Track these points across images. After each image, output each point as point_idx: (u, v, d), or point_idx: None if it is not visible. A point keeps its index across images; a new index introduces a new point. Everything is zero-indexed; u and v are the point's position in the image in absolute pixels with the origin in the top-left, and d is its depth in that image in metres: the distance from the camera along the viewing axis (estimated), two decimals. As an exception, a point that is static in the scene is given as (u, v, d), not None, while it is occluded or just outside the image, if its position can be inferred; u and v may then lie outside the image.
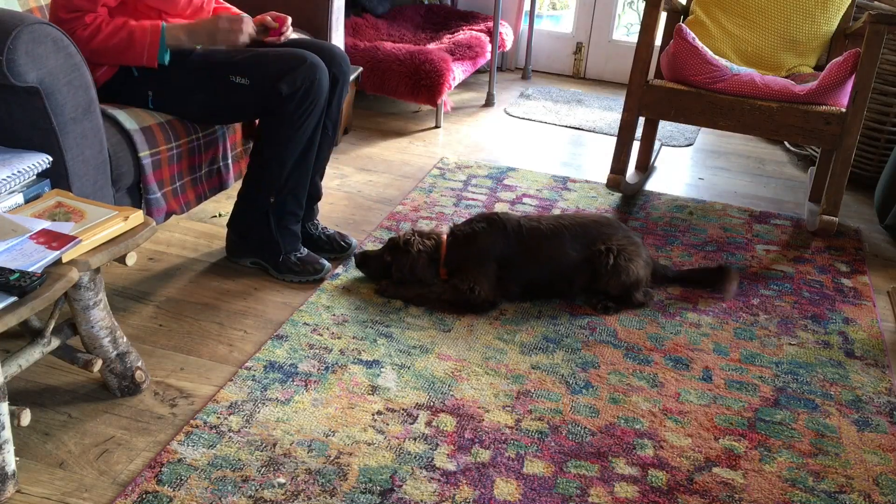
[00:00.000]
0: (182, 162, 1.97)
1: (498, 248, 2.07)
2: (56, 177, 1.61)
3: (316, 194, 2.29)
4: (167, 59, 1.88)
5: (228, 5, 2.18)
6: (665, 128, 3.57)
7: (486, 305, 2.06)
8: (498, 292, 2.08)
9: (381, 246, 2.30)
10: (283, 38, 2.08)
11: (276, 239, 2.12)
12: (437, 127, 3.46)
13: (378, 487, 1.47)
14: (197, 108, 1.97)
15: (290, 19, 2.09)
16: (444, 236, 2.14)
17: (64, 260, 1.39)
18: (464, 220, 2.18)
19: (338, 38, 2.72)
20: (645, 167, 3.04)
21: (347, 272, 2.21)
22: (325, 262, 2.17)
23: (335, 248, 2.30)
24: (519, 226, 2.10)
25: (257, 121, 2.06)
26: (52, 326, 1.54)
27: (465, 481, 1.50)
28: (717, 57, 2.54)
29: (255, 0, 2.58)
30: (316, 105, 1.96)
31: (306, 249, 2.18)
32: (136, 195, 1.88)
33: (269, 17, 2.07)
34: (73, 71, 1.57)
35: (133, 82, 1.92)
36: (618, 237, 2.12)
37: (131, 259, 1.51)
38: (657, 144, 3.17)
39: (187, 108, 1.96)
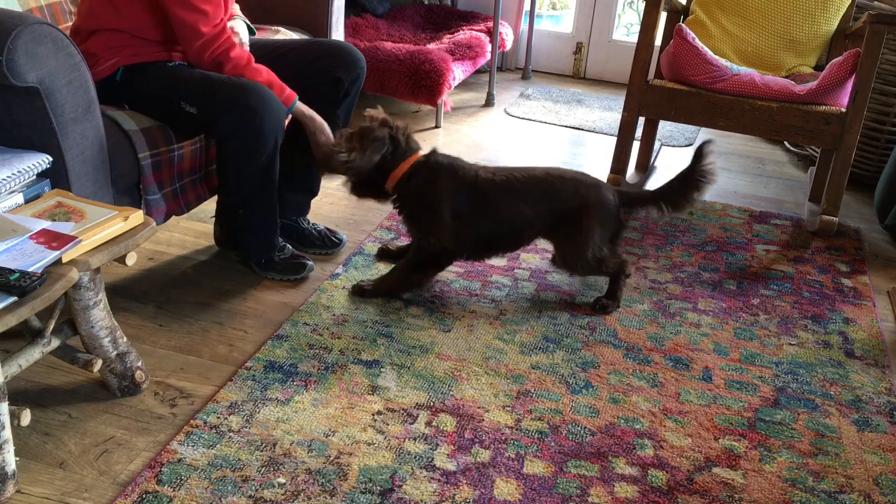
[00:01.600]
0: (183, 163, 1.97)
1: (450, 194, 2.00)
2: (56, 177, 1.61)
3: (313, 188, 2.31)
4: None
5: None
6: (665, 128, 3.57)
7: (447, 255, 2.05)
8: (456, 243, 2.03)
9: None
10: None
11: (250, 246, 2.12)
12: (437, 127, 3.46)
13: (378, 487, 1.47)
14: (165, 122, 1.92)
15: None
16: (418, 154, 2.04)
17: (64, 260, 1.39)
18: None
19: (337, 38, 2.73)
20: (645, 167, 3.04)
21: (347, 272, 2.21)
22: (309, 261, 2.16)
23: (327, 243, 2.32)
24: (476, 176, 2.03)
25: None
26: (52, 326, 1.54)
27: (465, 481, 1.50)
28: (717, 57, 2.54)
29: (257, 0, 2.59)
30: (258, 148, 1.89)
31: (291, 249, 2.17)
32: (135, 195, 1.88)
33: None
34: (73, 71, 1.57)
35: (115, 87, 1.91)
36: (570, 200, 2.02)
37: (131, 259, 1.51)
38: (657, 144, 3.17)
39: (157, 119, 1.91)
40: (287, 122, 2.02)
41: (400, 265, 2.12)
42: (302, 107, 2.02)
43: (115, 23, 1.87)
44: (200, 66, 1.92)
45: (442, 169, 2.01)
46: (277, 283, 2.14)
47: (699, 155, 2.09)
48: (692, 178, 2.09)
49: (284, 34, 2.50)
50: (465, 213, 2.01)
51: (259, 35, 2.29)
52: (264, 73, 1.93)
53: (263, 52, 2.12)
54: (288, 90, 1.97)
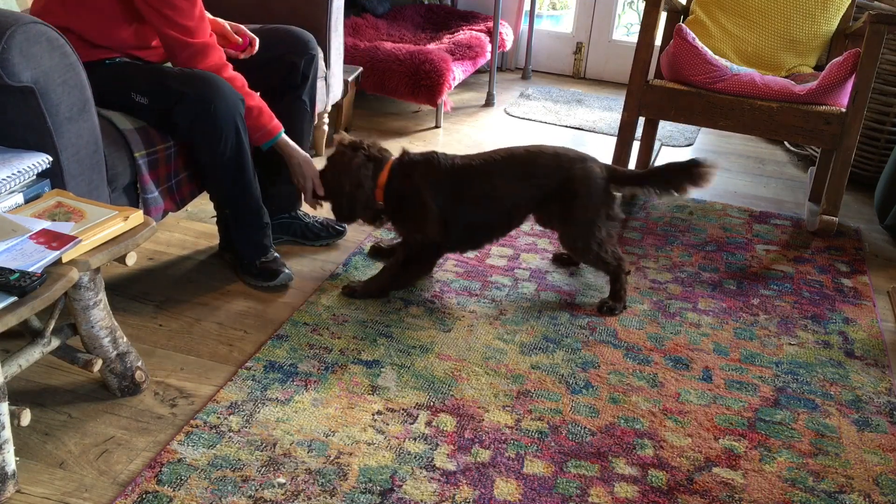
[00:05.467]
0: (178, 160, 1.97)
1: (434, 186, 2.01)
2: (51, 177, 1.60)
3: None
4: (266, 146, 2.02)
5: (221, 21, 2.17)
6: (665, 128, 3.57)
7: (436, 249, 2.07)
8: (444, 233, 2.04)
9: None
10: (242, 56, 2.09)
11: (242, 246, 2.11)
12: (437, 127, 3.46)
13: (378, 487, 1.47)
14: (126, 113, 1.89)
15: (257, 42, 2.10)
16: (391, 160, 2.07)
17: (64, 260, 1.39)
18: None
19: (337, 38, 2.72)
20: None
21: (347, 272, 2.21)
22: (287, 271, 2.11)
23: (332, 232, 2.36)
24: (452, 165, 2.04)
25: None
26: (52, 326, 1.54)
27: (465, 481, 1.50)
28: (717, 57, 2.54)
29: (257, 0, 2.59)
30: (219, 137, 1.88)
31: (275, 255, 2.14)
32: (132, 194, 1.88)
33: (234, 34, 2.08)
34: (68, 70, 1.56)
35: None
36: (554, 174, 2.01)
37: (131, 259, 1.51)
38: (657, 144, 3.17)
39: (120, 110, 1.89)
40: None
41: (389, 264, 2.12)
42: (286, 139, 2.05)
43: (64, 22, 1.79)
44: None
45: (417, 164, 2.04)
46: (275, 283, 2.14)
47: (701, 162, 2.05)
48: (690, 172, 2.03)
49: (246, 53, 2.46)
50: (450, 201, 2.02)
51: None
52: (256, 99, 1.95)
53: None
54: (275, 121, 2.01)
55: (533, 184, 2.03)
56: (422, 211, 2.01)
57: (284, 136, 2.06)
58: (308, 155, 2.11)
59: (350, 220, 2.07)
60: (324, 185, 2.08)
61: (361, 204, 2.02)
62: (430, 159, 2.04)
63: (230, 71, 1.93)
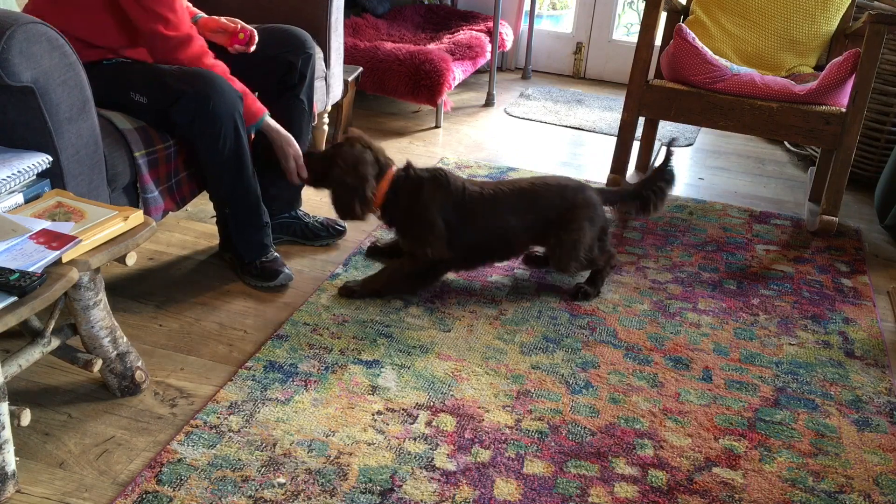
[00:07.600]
0: (178, 159, 1.97)
1: (438, 205, 2.03)
2: (51, 177, 1.60)
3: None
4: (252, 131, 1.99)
5: (195, 10, 2.16)
6: (665, 128, 3.57)
7: (443, 265, 2.08)
8: (450, 251, 2.06)
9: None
10: (246, 50, 2.09)
11: (242, 246, 2.10)
12: (437, 127, 3.46)
13: (378, 487, 1.47)
14: (125, 113, 1.89)
15: (256, 36, 2.09)
16: (393, 168, 2.07)
17: (64, 260, 1.39)
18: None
19: (337, 38, 2.72)
20: (645, 167, 3.04)
21: (347, 272, 2.21)
22: (287, 271, 2.12)
23: (332, 232, 2.36)
24: (462, 189, 2.05)
25: None
26: (52, 326, 1.54)
27: (465, 481, 1.50)
28: (717, 57, 2.54)
29: (255, 1, 2.59)
30: (219, 133, 1.88)
31: (276, 255, 2.14)
32: (132, 194, 1.88)
33: (233, 27, 2.08)
34: (67, 70, 1.56)
35: None
36: (557, 205, 2.08)
37: (131, 259, 1.52)
38: (657, 144, 3.17)
39: (119, 110, 1.89)
40: (252, 136, 2.02)
41: (392, 268, 2.11)
42: (270, 121, 2.03)
43: (58, 24, 1.76)
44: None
45: (424, 180, 2.04)
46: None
47: (667, 155, 2.24)
48: (662, 174, 2.24)
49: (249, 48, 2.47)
50: (455, 224, 2.05)
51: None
52: (238, 84, 1.94)
53: (210, 45, 2.10)
54: (258, 104, 1.99)
55: (536, 216, 2.09)
56: (430, 228, 2.03)
57: (269, 119, 2.03)
58: (290, 135, 2.06)
59: (346, 212, 2.02)
60: (327, 174, 2.04)
61: (360, 200, 1.99)
62: (438, 178, 2.04)
63: (212, 59, 1.92)
